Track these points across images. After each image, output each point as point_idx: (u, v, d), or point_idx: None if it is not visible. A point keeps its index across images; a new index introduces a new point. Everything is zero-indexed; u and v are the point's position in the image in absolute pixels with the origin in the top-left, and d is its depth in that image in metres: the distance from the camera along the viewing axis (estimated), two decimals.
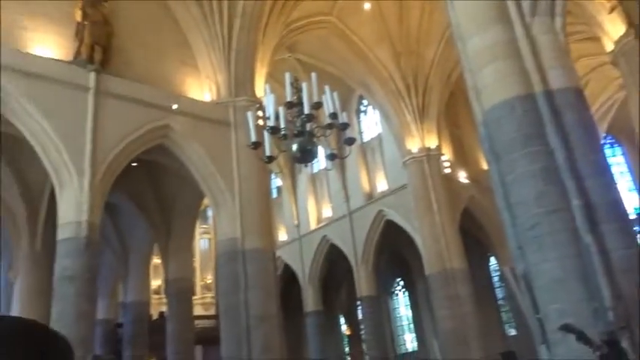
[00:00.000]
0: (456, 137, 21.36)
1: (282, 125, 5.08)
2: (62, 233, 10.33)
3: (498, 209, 7.41)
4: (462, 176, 20.50)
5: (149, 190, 16.24)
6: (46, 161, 10.60)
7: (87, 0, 11.70)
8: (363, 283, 21.36)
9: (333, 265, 24.30)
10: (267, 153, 5.27)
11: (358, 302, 23.36)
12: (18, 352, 0.78)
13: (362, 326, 24.51)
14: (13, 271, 14.68)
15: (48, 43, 11.35)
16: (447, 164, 19.52)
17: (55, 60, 11.16)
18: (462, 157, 21.09)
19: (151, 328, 18.90)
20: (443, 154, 19.43)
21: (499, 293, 22.75)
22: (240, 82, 13.66)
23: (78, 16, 11.59)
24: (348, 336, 27.87)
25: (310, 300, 23.89)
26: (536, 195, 6.53)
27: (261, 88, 14.05)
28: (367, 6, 17.51)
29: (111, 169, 11.06)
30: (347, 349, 27.88)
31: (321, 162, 23.60)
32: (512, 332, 21.46)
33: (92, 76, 11.18)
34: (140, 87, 11.96)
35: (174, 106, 12.34)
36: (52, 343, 0.85)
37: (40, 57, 10.98)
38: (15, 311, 14.22)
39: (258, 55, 14.15)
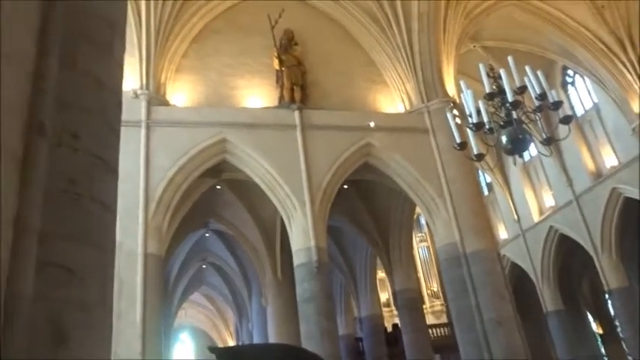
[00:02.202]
0: None
1: (486, 119, 4.87)
2: (297, 259, 11.50)
3: None
4: None
5: (363, 209, 17.04)
6: (273, 197, 11.99)
7: (281, 48, 13.08)
8: (610, 274, 18.82)
9: (568, 257, 22.00)
10: (475, 151, 5.09)
11: (607, 296, 20.65)
12: None
13: (616, 323, 21.53)
14: (264, 297, 16.79)
15: (256, 95, 12.95)
16: None
17: (264, 108, 12.66)
18: None
19: (387, 340, 19.59)
20: None
21: None
22: (430, 86, 13.59)
23: (275, 64, 13.01)
24: (601, 335, 24.75)
25: (548, 298, 21.95)
26: None
27: (451, 86, 13.76)
28: None
29: (326, 195, 11.96)
30: (602, 350, 24.74)
31: (531, 149, 21.83)
32: None
33: (296, 114, 12.37)
34: (338, 114, 12.78)
35: (371, 124, 12.83)
36: None
37: (252, 108, 12.60)
38: (270, 333, 16.22)
39: (443, 53, 13.91)
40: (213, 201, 15.31)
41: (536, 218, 22.78)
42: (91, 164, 2.74)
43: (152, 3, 12.03)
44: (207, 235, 18.22)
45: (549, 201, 22.43)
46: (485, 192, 25.33)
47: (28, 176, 2.29)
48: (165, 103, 11.92)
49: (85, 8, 3.11)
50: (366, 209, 17.13)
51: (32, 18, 2.55)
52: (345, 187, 14.11)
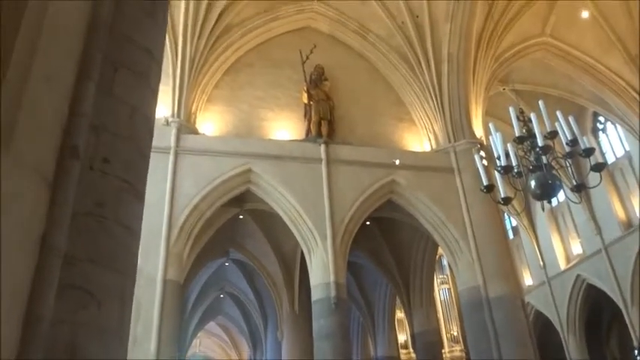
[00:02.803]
0: None
1: (514, 162, 4.80)
2: (315, 294, 11.34)
3: None
4: None
5: (384, 246, 16.84)
6: (294, 229, 11.94)
7: (310, 83, 13.30)
8: None
9: (596, 308, 21.20)
10: (502, 195, 5.00)
11: (636, 352, 19.70)
12: None
13: None
14: (280, 331, 16.55)
15: (284, 128, 13.11)
16: None
17: (291, 141, 12.77)
18: None
19: None
20: None
21: None
22: (457, 126, 13.55)
23: (304, 98, 13.19)
24: None
25: (574, 350, 21.08)
26: None
27: (479, 128, 13.70)
28: (585, 14, 15.87)
29: (348, 231, 11.86)
30: None
31: (559, 194, 21.39)
32: None
33: (322, 148, 12.43)
34: (364, 150, 12.80)
35: (397, 162, 12.79)
36: None
37: (279, 140, 12.72)
38: None
39: (471, 95, 13.92)
40: (235, 230, 15.34)
41: (562, 266, 22.12)
42: (120, 189, 2.77)
43: (189, 36, 12.43)
44: (226, 264, 18.18)
45: (577, 249, 21.81)
46: (511, 235, 24.80)
47: (58, 197, 2.32)
48: (195, 132, 12.13)
49: (125, 37, 3.22)
50: (387, 247, 16.92)
51: (74, 42, 2.63)
52: (368, 223, 13.99)
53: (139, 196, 2.92)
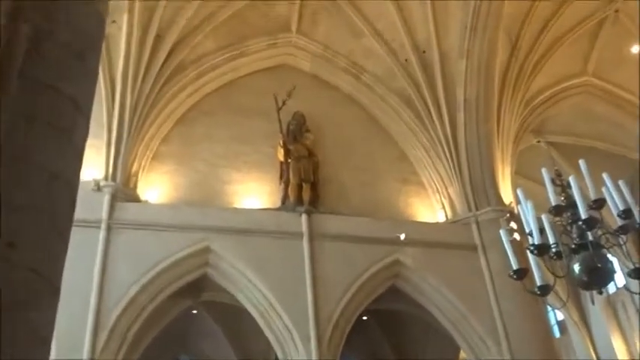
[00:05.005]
0: None
1: (552, 240, 4.83)
2: None
3: None
4: None
5: (388, 349, 16.60)
6: (267, 329, 11.75)
7: (288, 136, 13.49)
8: None
9: None
10: (538, 282, 4.99)
11: None
12: None
13: None
14: None
15: (253, 193, 13.20)
16: None
17: (262, 210, 12.83)
18: None
19: None
20: None
21: None
22: (480, 190, 13.73)
23: (280, 155, 13.36)
24: None
25: None
26: None
27: (508, 191, 13.89)
28: (636, 49, 16.58)
29: (339, 329, 11.69)
30: None
31: (617, 279, 21.46)
32: None
33: (303, 218, 12.49)
34: (358, 221, 12.87)
35: (402, 237, 12.84)
36: None
37: (247, 210, 12.77)
38: None
39: (496, 150, 14.20)
40: (187, 329, 15.08)
41: None
42: (27, 281, 2.73)
43: (130, 77, 12.59)
44: None
45: None
46: (557, 333, 24.59)
47: None
48: (135, 199, 12.14)
49: (44, 84, 3.27)
50: (391, 349, 16.69)
51: None
52: (365, 318, 13.83)
53: (53, 291, 2.88)
